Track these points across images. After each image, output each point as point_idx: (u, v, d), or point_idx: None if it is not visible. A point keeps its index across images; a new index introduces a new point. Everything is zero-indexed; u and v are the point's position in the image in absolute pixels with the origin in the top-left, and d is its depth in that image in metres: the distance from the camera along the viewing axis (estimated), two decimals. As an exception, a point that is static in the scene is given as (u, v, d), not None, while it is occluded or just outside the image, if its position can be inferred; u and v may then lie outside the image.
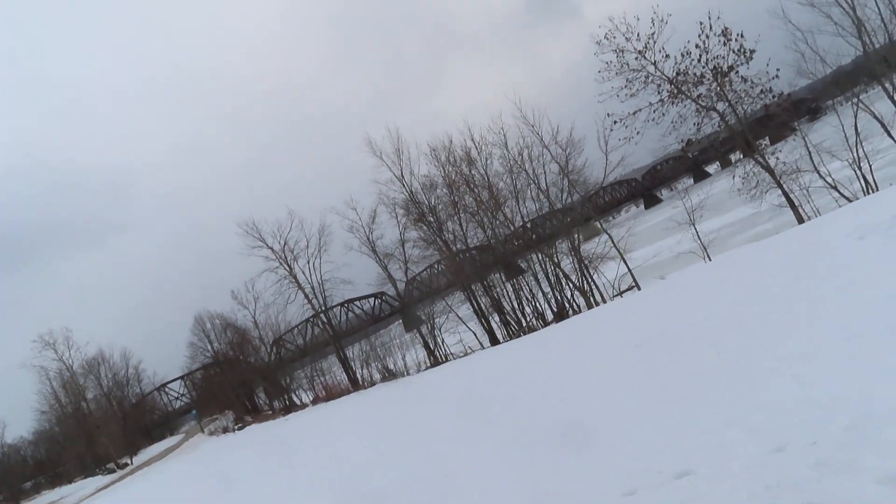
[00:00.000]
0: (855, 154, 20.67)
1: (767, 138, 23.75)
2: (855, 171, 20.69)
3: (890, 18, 18.73)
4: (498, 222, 27.03)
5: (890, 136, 19.42)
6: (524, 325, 28.21)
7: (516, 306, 28.95)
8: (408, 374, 32.16)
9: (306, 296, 35.53)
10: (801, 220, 19.90)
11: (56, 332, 53.03)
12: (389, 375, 33.25)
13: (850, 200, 19.97)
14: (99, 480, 41.09)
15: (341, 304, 40.55)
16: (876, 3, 18.92)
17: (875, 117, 19.52)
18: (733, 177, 20.90)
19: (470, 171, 27.23)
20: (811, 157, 21.09)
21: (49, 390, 53.86)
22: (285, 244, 35.61)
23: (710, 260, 21.69)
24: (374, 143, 29.60)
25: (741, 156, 22.18)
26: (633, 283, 24.79)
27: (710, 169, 56.16)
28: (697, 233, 22.93)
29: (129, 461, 47.16)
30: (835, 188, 20.82)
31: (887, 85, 19.69)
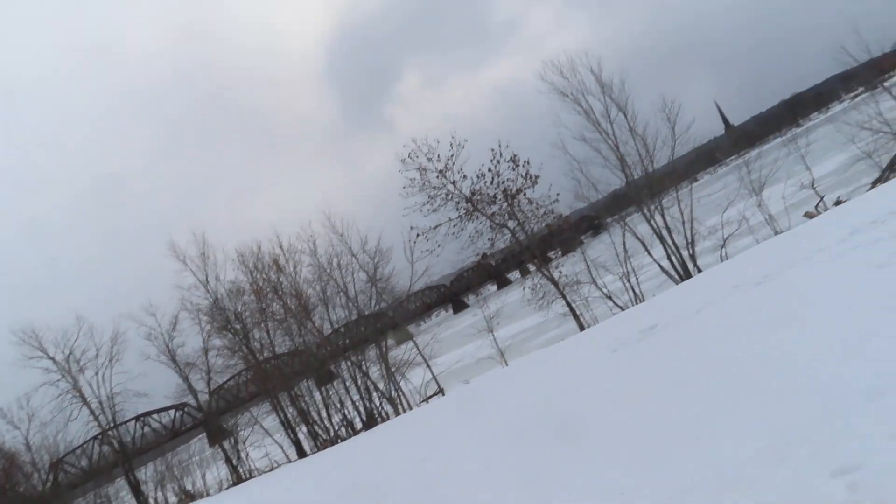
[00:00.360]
0: (624, 268, 23.52)
1: (559, 251, 26.34)
2: (624, 284, 23.44)
3: (645, 156, 22.15)
4: (306, 329, 26.71)
5: (649, 254, 22.45)
6: (332, 434, 27.52)
7: (325, 416, 28.29)
8: (208, 494, 29.72)
9: (92, 411, 31.87)
10: (582, 327, 21.97)
11: None
12: (187, 498, 30.47)
13: (622, 309, 22.55)
14: None
15: (136, 419, 36.83)
16: (634, 142, 22.32)
17: (637, 238, 22.52)
18: (524, 288, 22.79)
19: (278, 278, 26.98)
20: (589, 271, 23.64)
21: None
22: (70, 354, 32.06)
23: (506, 364, 23.02)
24: (177, 246, 28.46)
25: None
26: (439, 389, 25.47)
27: (512, 276, 60.90)
28: (495, 339, 24.28)
29: None
30: (609, 298, 23.38)
31: (645, 210, 22.85)
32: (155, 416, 37.67)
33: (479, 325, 24.48)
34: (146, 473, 33.70)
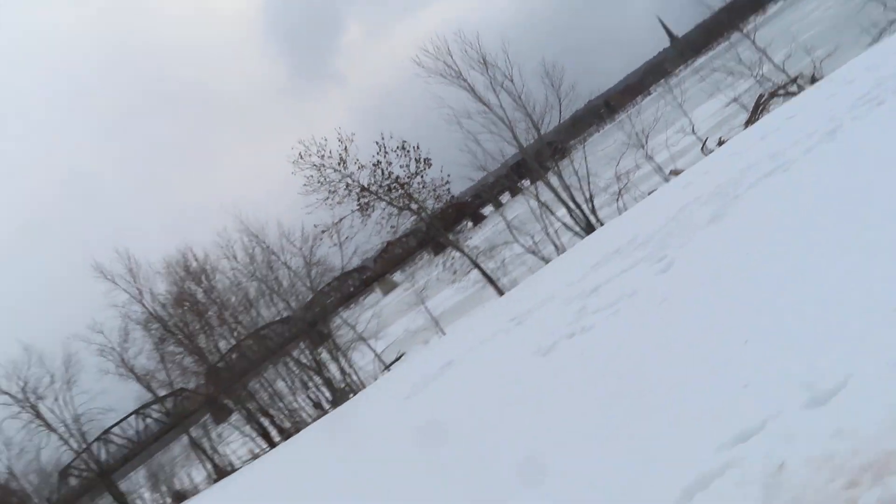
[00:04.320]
0: (542, 223, 25.89)
1: (469, 222, 28.70)
2: (547, 235, 25.75)
3: (534, 123, 24.05)
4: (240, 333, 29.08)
5: (552, 213, 24.82)
6: (297, 419, 30.32)
7: (291, 401, 30.97)
8: (197, 491, 32.59)
9: (60, 436, 34.29)
10: (500, 293, 24.62)
11: None
12: (179, 498, 33.35)
13: (545, 262, 25.09)
14: None
15: (98, 438, 39.16)
16: (524, 110, 24.17)
17: (539, 203, 24.76)
18: (436, 265, 25.23)
19: (210, 284, 29.07)
20: (510, 230, 26.03)
21: None
22: (25, 384, 34.06)
23: (444, 333, 25.66)
24: (102, 267, 30.10)
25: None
26: (401, 353, 28.11)
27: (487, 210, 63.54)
28: (428, 311, 26.86)
29: None
30: (533, 253, 25.89)
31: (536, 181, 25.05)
32: (115, 429, 39.90)
33: (408, 300, 27.00)
34: (137, 480, 36.66)
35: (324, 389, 30.12)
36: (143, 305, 30.88)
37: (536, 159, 24.75)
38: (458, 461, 6.53)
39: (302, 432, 26.57)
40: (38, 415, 34.16)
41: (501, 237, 26.39)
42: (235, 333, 30.21)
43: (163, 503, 33.29)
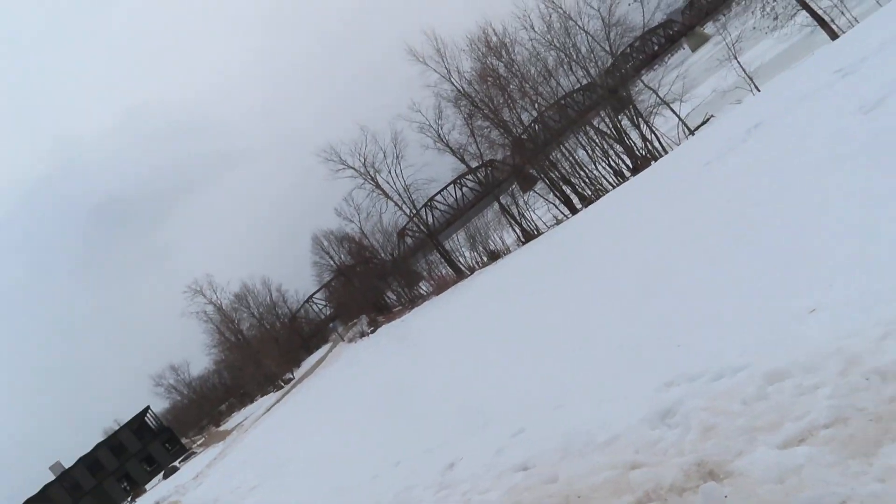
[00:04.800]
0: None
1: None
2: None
3: None
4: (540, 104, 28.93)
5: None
6: (597, 187, 30.51)
7: (592, 169, 31.11)
8: (508, 251, 35.93)
9: (395, 203, 39.74)
10: (834, 36, 20.31)
11: (200, 280, 62.38)
12: (492, 257, 37.19)
13: None
14: (272, 398, 50.01)
15: (425, 205, 44.31)
16: None
17: None
18: (752, 12, 21.31)
19: (510, 57, 29.08)
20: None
21: (212, 327, 64.20)
22: (365, 160, 39.52)
23: (758, 91, 22.64)
24: (414, 50, 32.01)
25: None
26: (709, 115, 25.99)
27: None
28: (741, 65, 23.64)
29: (291, 375, 56.40)
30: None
31: None
32: (438, 197, 44.70)
33: (718, 56, 23.93)
34: (458, 241, 41.59)
35: (624, 157, 29.44)
36: (452, 83, 32.68)
37: None
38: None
39: (602, 199, 26.78)
40: (377, 185, 39.90)
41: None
42: (536, 105, 30.37)
43: (480, 261, 37.10)
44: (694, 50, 50.73)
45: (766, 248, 5.64)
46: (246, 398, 70.12)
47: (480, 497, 4.55)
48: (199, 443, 62.24)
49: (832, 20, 20.54)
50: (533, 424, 5.63)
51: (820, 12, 20.90)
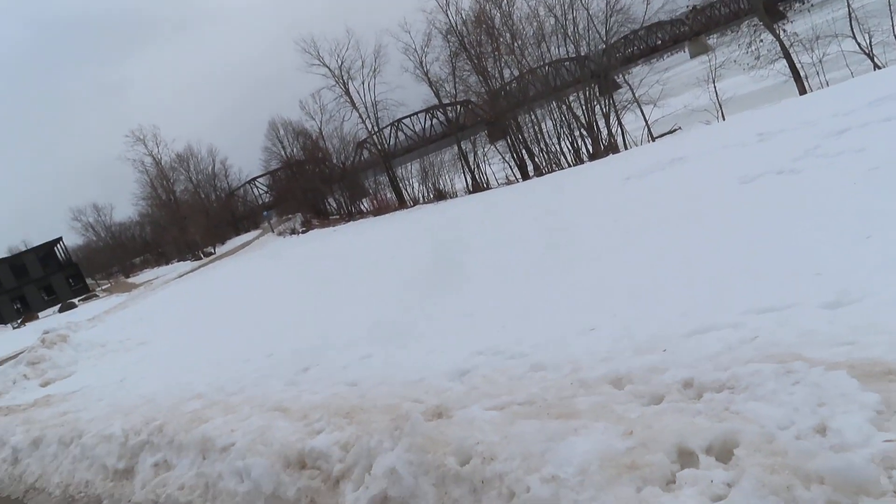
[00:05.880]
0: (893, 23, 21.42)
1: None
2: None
3: None
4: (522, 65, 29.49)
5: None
6: (554, 161, 31.57)
7: (554, 143, 32.08)
8: (456, 195, 36.89)
9: (360, 115, 39.93)
10: (803, 92, 21.59)
11: (146, 129, 61.31)
12: (438, 196, 38.13)
13: (879, 68, 21.27)
14: (187, 265, 50.45)
15: (391, 124, 44.63)
16: None
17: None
18: (740, 44, 22.27)
19: (509, 9, 29.37)
20: (851, 19, 21.99)
21: (146, 179, 63.52)
22: (342, 64, 39.35)
23: (723, 119, 23.84)
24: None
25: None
26: (676, 126, 27.15)
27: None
28: (716, 91, 24.74)
29: (213, 250, 56.74)
30: (868, 55, 21.94)
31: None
32: (406, 121, 45.09)
33: (699, 74, 24.93)
34: (410, 170, 42.23)
35: (588, 141, 30.47)
36: (448, 16, 32.80)
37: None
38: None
39: (553, 174, 27.88)
40: (347, 91, 39.99)
41: (835, 27, 22.39)
42: (520, 65, 30.87)
43: (425, 195, 38.01)
44: (693, 56, 51.57)
45: (604, 272, 6.82)
46: (162, 258, 70.13)
47: (309, 396, 5.63)
48: (104, 287, 62.26)
49: (807, 77, 21.74)
50: (381, 353, 6.75)
51: (798, 66, 22.06)
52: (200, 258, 53.91)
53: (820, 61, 21.73)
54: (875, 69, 21.20)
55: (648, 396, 3.27)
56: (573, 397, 3.56)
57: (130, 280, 59.99)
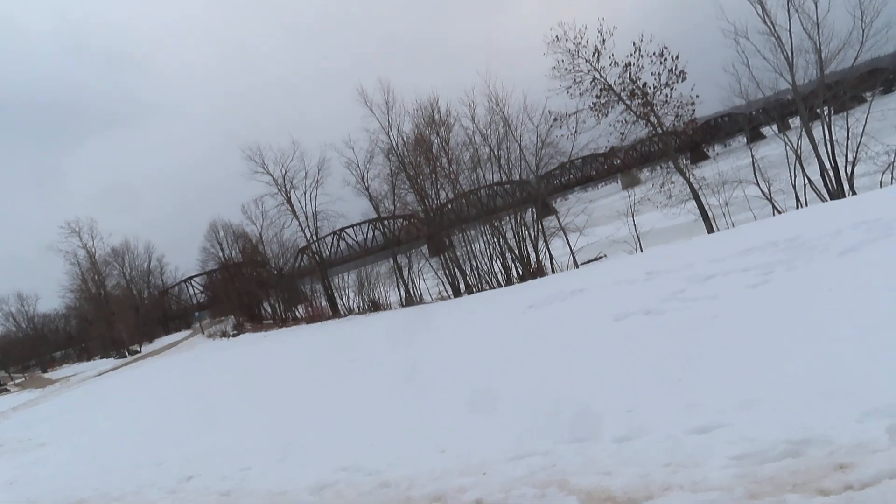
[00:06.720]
0: (792, 173, 23.82)
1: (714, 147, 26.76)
2: (793, 187, 23.84)
3: (826, 59, 21.26)
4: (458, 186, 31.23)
5: (800, 166, 22.48)
6: (485, 280, 32.78)
7: (486, 263, 33.40)
8: (390, 307, 37.44)
9: (300, 223, 40.81)
10: (710, 230, 23.50)
11: (82, 221, 60.80)
12: (373, 307, 38.60)
13: (778, 212, 23.41)
14: (109, 363, 48.86)
15: (334, 233, 45.74)
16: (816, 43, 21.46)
17: (791, 148, 22.52)
18: (654, 184, 24.35)
19: (447, 136, 31.33)
20: (755, 168, 24.32)
21: (77, 272, 62.15)
22: (286, 173, 40.58)
23: (641, 251, 25.52)
24: (365, 93, 33.77)
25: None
26: (602, 254, 28.77)
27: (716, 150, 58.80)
28: (635, 223, 26.58)
29: (139, 348, 55.21)
30: (770, 201, 24.15)
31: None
32: (349, 230, 46.30)
33: (619, 208, 26.80)
34: (346, 280, 42.84)
35: (517, 264, 31.87)
36: (390, 137, 34.61)
37: (807, 103, 22.17)
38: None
39: (482, 293, 28.93)
40: (289, 200, 40.92)
41: (739, 174, 24.72)
42: (455, 188, 32.50)
43: (360, 306, 38.46)
44: (624, 188, 54.85)
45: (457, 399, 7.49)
46: (85, 354, 67.59)
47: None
48: (17, 381, 59.30)
49: (714, 217, 23.69)
50: (261, 465, 7.12)
51: (707, 207, 24.07)
52: (125, 356, 52.34)
53: (727, 203, 23.78)
54: (774, 213, 23.33)
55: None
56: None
57: (47, 375, 57.45)
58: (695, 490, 3.11)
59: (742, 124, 30.12)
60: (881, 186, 20.67)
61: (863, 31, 20.58)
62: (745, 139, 25.82)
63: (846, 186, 21.57)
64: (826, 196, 21.76)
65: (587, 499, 3.33)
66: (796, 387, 4.42)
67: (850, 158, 21.32)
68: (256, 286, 50.68)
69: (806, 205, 23.29)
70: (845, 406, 3.70)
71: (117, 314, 57.56)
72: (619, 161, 67.57)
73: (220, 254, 55.42)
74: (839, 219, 11.40)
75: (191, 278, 70.93)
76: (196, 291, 71.49)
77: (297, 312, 45.93)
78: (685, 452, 3.79)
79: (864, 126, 21.04)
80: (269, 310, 52.14)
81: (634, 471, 3.75)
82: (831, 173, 21.60)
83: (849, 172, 21.44)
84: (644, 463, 3.83)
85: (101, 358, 57.28)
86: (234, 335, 44.23)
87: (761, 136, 28.37)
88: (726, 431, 4.01)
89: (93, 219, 63.36)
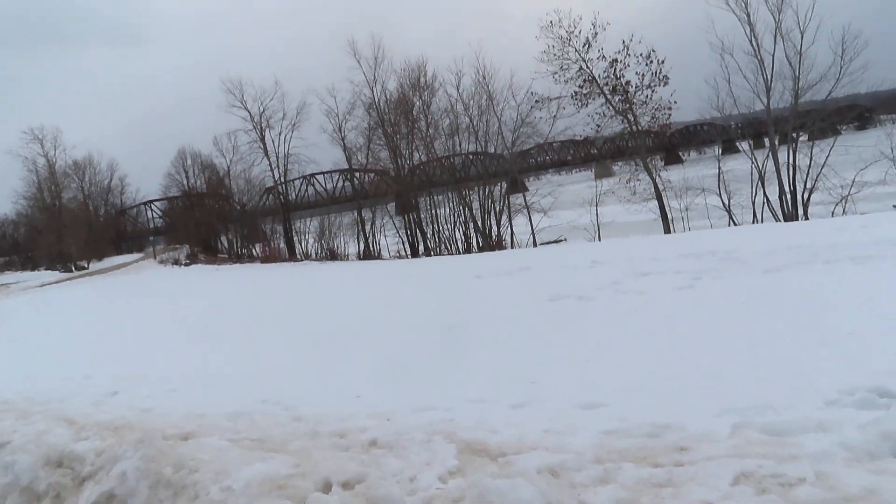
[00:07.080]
0: (753, 190, 24.64)
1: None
2: (752, 203, 24.69)
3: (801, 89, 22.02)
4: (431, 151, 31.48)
5: (762, 185, 23.28)
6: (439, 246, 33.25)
7: (452, 229, 33.82)
8: (347, 258, 37.67)
9: (270, 164, 40.63)
10: (668, 231, 24.26)
11: (47, 129, 59.17)
12: (330, 256, 38.80)
13: (735, 224, 24.24)
14: (55, 275, 48.19)
15: (304, 177, 45.63)
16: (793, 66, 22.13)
17: (756, 167, 23.29)
18: (619, 179, 25.00)
19: (429, 100, 31.47)
20: (720, 178, 25.04)
21: (33, 179, 60.71)
22: (263, 111, 40.24)
23: (599, 240, 26.16)
24: (355, 45, 33.67)
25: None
26: (562, 237, 29.37)
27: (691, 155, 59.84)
28: (597, 213, 27.20)
29: (87, 265, 54.50)
30: (728, 213, 24.95)
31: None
32: (320, 177, 46.21)
33: (585, 196, 27.40)
34: (307, 225, 42.88)
35: (479, 234, 32.37)
36: (373, 93, 34.64)
37: (778, 127, 22.94)
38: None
39: (439, 257, 29.34)
40: (262, 139, 40.70)
41: (704, 182, 25.47)
42: (430, 152, 32.75)
43: (317, 253, 38.68)
44: (597, 178, 55.60)
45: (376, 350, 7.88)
46: (29, 264, 66.38)
47: (101, 415, 6.26)
48: (-45, 283, 58.07)
49: (672, 219, 24.43)
50: (186, 389, 7.44)
51: (668, 209, 24.77)
52: (71, 270, 51.62)
53: (686, 209, 24.53)
54: (730, 224, 24.15)
55: (342, 447, 4.23)
56: (293, 441, 4.47)
57: (-13, 280, 56.40)
58: (555, 452, 3.54)
59: (719, 135, 30.96)
60: (832, 216, 21.57)
61: (841, 67, 21.44)
62: (719, 150, 26.51)
63: (800, 211, 22.45)
64: (780, 217, 22.62)
65: (465, 448, 3.74)
66: (678, 381, 4.91)
67: (809, 186, 22.20)
68: (216, 218, 50.34)
69: (762, 221, 24.22)
70: (710, 403, 4.18)
71: (69, 227, 56.57)
72: (595, 151, 68.62)
73: (185, 182, 54.93)
74: (779, 240, 12.05)
75: (151, 202, 69.98)
76: (154, 216, 70.67)
77: (253, 251, 45.88)
78: (566, 422, 4.23)
79: (827, 158, 21.92)
80: (227, 244, 51.94)
81: (515, 432, 4.17)
82: (789, 196, 22.45)
83: (805, 198, 22.32)
84: (525, 426, 4.26)
85: (46, 269, 56.32)
86: (186, 264, 43.94)
87: (736, 150, 29.15)
88: (607, 410, 4.46)
89: (58, 128, 61.82)
